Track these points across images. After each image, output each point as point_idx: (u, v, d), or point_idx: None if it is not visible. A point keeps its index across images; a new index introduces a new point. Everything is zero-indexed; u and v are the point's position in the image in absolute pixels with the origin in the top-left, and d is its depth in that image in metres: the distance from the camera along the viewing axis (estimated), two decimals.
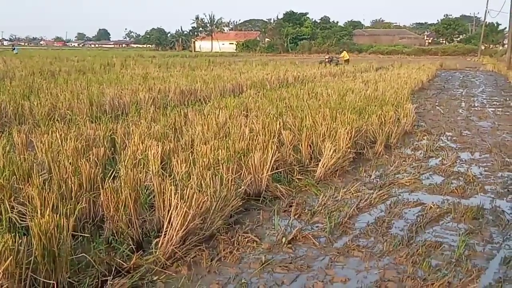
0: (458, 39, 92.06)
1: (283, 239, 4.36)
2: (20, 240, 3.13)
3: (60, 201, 4.09)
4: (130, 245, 4.04)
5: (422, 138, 9.44)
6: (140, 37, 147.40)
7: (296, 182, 6.11)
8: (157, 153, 5.51)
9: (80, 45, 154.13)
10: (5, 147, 5.71)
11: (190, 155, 5.63)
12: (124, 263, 3.71)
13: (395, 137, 8.68)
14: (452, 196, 5.83)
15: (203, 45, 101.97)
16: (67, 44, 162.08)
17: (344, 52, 41.19)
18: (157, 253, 3.87)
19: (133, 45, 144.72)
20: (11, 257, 2.90)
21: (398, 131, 8.88)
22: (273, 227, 4.74)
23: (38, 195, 3.99)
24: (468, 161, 7.62)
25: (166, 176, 4.76)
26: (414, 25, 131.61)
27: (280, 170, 6.11)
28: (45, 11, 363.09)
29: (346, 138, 6.96)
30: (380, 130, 8.37)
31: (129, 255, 3.87)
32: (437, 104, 15.26)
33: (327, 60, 36.48)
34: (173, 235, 3.96)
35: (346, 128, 7.24)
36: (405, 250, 4.21)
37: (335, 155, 6.50)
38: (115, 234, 4.15)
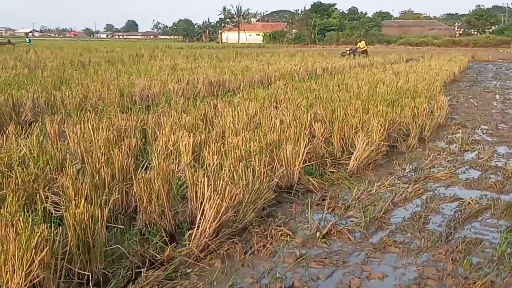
0: (490, 30, 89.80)
1: (318, 233, 4.26)
2: (56, 231, 3.12)
3: (93, 192, 4.09)
4: (163, 236, 4.01)
5: (457, 131, 9.19)
6: (168, 28, 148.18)
7: (329, 175, 6.00)
8: (189, 144, 5.47)
9: (109, 37, 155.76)
10: (38, 137, 5.75)
11: (222, 147, 5.57)
12: (157, 255, 3.68)
13: (428, 130, 8.47)
14: (490, 191, 5.65)
15: (230, 36, 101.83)
16: (95, 35, 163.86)
17: (362, 42, 38.12)
18: (190, 245, 3.82)
19: (160, 37, 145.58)
20: (47, 247, 2.88)
21: (432, 124, 8.65)
22: (306, 220, 4.65)
23: (72, 185, 3.99)
24: (506, 155, 7.37)
25: (198, 168, 4.70)
26: (444, 16, 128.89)
27: (312, 162, 6.00)
28: (75, 3, 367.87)
29: (380, 130, 6.80)
30: (414, 123, 8.17)
31: (162, 247, 3.84)
32: (470, 96, 14.88)
33: (348, 52, 34.38)
34: (206, 227, 3.91)
35: (380, 120, 7.08)
36: (444, 247, 4.08)
37: (368, 148, 6.36)
38: (148, 226, 4.12)
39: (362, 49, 34.84)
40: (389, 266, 3.80)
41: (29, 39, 52.39)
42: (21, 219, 3.00)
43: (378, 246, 4.12)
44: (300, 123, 6.90)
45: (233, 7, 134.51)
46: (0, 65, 16.79)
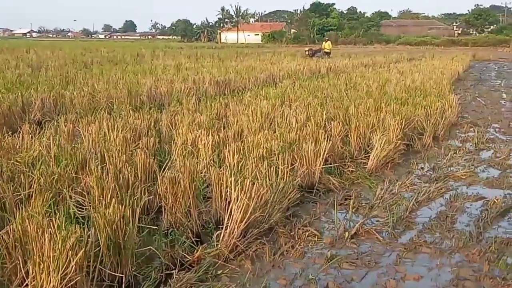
0: (489, 29, 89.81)
1: (346, 234, 4.18)
2: (89, 232, 3.02)
3: (116, 192, 4.00)
4: (190, 237, 3.92)
5: (469, 130, 9.11)
6: (166, 28, 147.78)
7: (348, 174, 5.92)
8: (208, 143, 5.38)
9: (107, 37, 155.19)
10: (54, 136, 5.65)
11: (241, 146, 5.48)
12: (187, 256, 3.59)
13: (442, 128, 8.39)
14: None
15: (228, 36, 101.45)
16: (93, 36, 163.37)
17: (329, 42, 32.40)
18: (219, 246, 3.74)
19: (158, 37, 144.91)
20: (82, 249, 2.79)
21: (445, 122, 8.57)
22: (331, 220, 4.58)
23: (97, 185, 3.90)
24: None
25: (223, 167, 4.61)
26: (443, 15, 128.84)
27: (332, 162, 5.91)
28: (73, 3, 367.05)
29: (397, 129, 6.72)
30: (428, 122, 8.09)
31: (190, 248, 3.76)
32: (477, 95, 14.82)
33: (307, 53, 29.79)
34: (234, 227, 3.83)
35: (396, 119, 7.00)
36: (476, 247, 4.00)
37: (386, 147, 6.28)
38: (174, 226, 4.03)
39: (327, 51, 30.50)
40: (423, 267, 3.72)
41: None
42: (53, 219, 2.91)
43: (409, 247, 4.04)
44: (316, 122, 6.82)
45: (231, 7, 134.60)
46: (4, 65, 16.64)
